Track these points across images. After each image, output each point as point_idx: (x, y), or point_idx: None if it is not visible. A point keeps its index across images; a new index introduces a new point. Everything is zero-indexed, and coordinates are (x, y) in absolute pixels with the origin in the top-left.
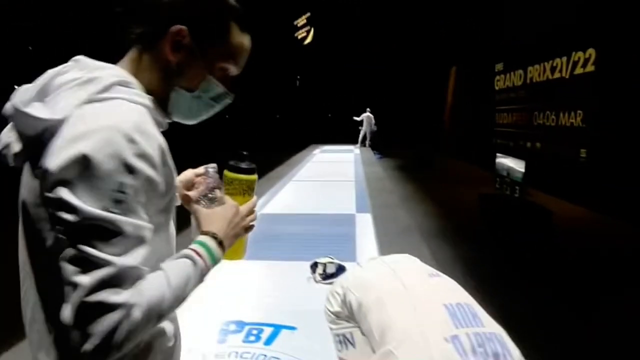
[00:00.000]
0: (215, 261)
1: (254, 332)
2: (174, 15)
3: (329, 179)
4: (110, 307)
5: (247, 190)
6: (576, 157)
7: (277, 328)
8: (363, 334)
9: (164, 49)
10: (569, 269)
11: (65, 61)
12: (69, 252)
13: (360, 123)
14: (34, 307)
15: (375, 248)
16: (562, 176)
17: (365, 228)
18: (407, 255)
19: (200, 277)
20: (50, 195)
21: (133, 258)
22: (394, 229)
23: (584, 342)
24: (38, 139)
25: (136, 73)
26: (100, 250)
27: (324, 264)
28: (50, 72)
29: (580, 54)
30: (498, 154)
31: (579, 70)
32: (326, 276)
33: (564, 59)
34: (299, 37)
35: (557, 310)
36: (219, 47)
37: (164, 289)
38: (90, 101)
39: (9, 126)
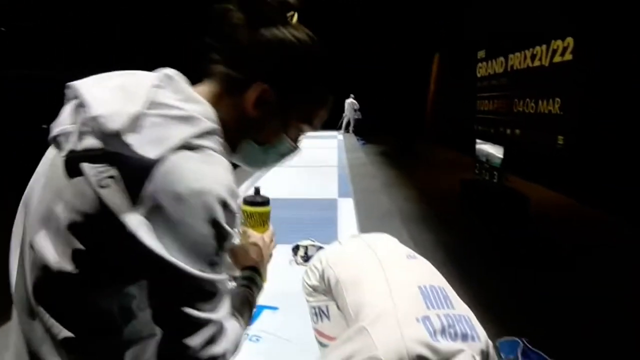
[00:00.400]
0: (260, 291)
1: None
2: (269, 72)
3: (312, 164)
4: (216, 359)
5: (266, 221)
6: (553, 144)
7: (259, 308)
8: (338, 308)
9: (247, 100)
10: (543, 252)
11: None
12: (171, 311)
13: (343, 109)
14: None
15: (356, 232)
16: (540, 163)
17: (347, 212)
18: (387, 235)
19: (252, 310)
20: (148, 249)
21: (223, 311)
22: (375, 213)
23: (557, 319)
24: (114, 156)
25: (216, 110)
26: (201, 311)
27: (306, 247)
28: (140, 81)
29: (559, 42)
30: (478, 140)
31: (557, 59)
32: (307, 258)
33: (544, 47)
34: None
35: (531, 290)
36: (301, 110)
37: (240, 331)
38: (185, 147)
39: (71, 109)
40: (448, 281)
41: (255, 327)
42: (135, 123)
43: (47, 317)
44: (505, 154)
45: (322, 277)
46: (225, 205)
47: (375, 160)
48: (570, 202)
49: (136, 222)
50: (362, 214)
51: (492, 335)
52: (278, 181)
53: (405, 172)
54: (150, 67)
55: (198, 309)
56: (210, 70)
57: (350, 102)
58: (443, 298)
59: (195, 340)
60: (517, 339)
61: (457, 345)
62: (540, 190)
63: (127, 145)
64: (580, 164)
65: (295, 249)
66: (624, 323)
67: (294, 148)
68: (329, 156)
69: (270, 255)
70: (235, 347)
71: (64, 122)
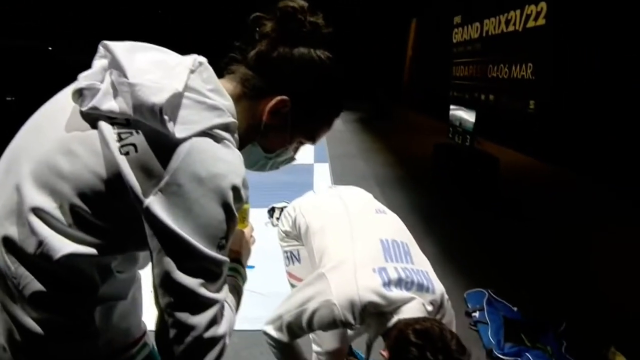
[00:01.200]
0: (244, 283)
1: None
2: (292, 87)
3: None
4: (217, 340)
5: (245, 217)
6: (525, 108)
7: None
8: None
9: (263, 106)
10: (509, 209)
11: None
12: (179, 289)
13: None
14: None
15: None
16: (512, 127)
17: (322, 176)
18: (361, 190)
19: (240, 298)
20: (162, 222)
21: (225, 292)
22: (350, 177)
23: (521, 270)
24: (139, 126)
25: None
26: (209, 291)
27: (281, 209)
28: (179, 61)
29: (532, 7)
30: (452, 106)
31: (531, 23)
32: None
33: (518, 12)
34: None
35: (498, 244)
36: (307, 126)
37: (233, 317)
38: (208, 134)
39: (102, 67)
40: (420, 239)
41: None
42: (173, 101)
43: (17, 265)
44: (477, 118)
45: (294, 223)
46: (237, 192)
47: (351, 127)
48: (537, 163)
49: (152, 195)
50: (338, 177)
51: (460, 287)
52: None
53: (381, 137)
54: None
55: (205, 288)
56: (231, 69)
57: None
58: (404, 253)
59: (200, 320)
60: (483, 290)
61: (410, 294)
62: (511, 153)
63: (161, 120)
64: (549, 127)
65: (271, 211)
66: (581, 270)
67: (292, 158)
68: None
69: (249, 251)
70: (231, 331)
71: (94, 77)
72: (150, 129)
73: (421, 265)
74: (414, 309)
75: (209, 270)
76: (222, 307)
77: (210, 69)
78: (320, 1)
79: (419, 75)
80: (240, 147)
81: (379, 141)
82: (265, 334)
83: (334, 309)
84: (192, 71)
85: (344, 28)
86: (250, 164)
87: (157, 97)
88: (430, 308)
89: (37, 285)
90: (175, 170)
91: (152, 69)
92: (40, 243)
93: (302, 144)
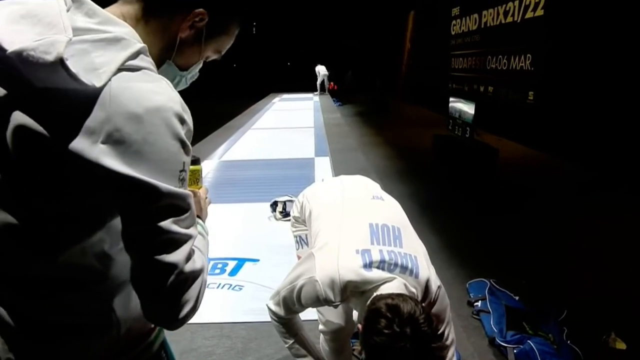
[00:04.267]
0: (207, 235)
1: (219, 265)
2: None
3: (289, 126)
4: (197, 274)
5: (199, 179)
6: (524, 99)
7: (241, 261)
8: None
9: (178, 23)
10: (509, 199)
11: None
12: (152, 231)
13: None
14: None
15: None
16: (512, 118)
17: (323, 170)
18: (365, 178)
19: (207, 248)
20: (118, 173)
21: (195, 229)
22: (351, 170)
23: (522, 260)
24: (47, 93)
25: (136, 30)
26: (181, 227)
27: (284, 202)
28: (46, 5)
29: None
30: (451, 98)
31: (529, 14)
32: (286, 214)
33: (516, 2)
34: None
35: (498, 234)
36: (218, 38)
37: (205, 256)
38: (123, 69)
39: None
40: (420, 230)
41: (237, 278)
42: (70, 51)
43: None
44: (476, 109)
45: (302, 209)
46: (182, 120)
47: (351, 121)
48: (537, 154)
49: (97, 151)
50: (339, 171)
51: (462, 277)
52: (256, 143)
53: (380, 130)
54: None
55: (180, 226)
56: None
57: (322, 67)
58: (393, 237)
59: (178, 257)
60: (484, 280)
61: (391, 275)
62: (510, 144)
63: (70, 75)
64: (549, 118)
65: (274, 205)
66: (580, 259)
67: (197, 74)
68: (305, 118)
69: (207, 212)
70: (207, 269)
71: None
72: (61, 90)
73: (411, 250)
74: (393, 287)
75: (176, 206)
76: (194, 242)
77: (88, 1)
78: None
79: (418, 67)
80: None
81: (379, 134)
82: (268, 308)
83: (317, 286)
84: (70, 11)
85: (343, 21)
86: None
87: (51, 55)
88: (413, 290)
89: (45, 292)
90: (107, 119)
91: (25, 28)
92: None
93: (208, 59)
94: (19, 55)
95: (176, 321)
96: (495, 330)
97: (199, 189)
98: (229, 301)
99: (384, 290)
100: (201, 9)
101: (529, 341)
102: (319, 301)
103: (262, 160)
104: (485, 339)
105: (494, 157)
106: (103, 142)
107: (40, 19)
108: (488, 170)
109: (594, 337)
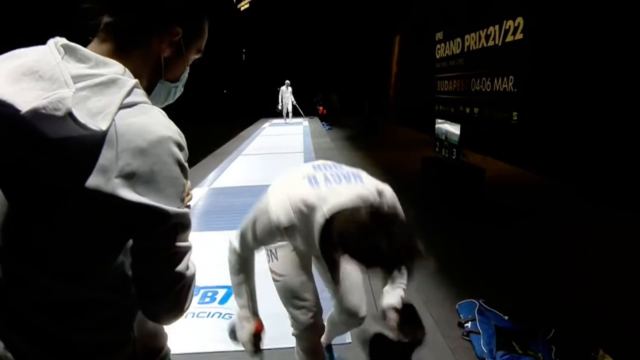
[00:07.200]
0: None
1: (209, 294)
2: (174, 15)
3: (279, 151)
4: (193, 278)
5: None
6: (509, 119)
7: (230, 289)
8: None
9: (156, 46)
10: (497, 217)
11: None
12: (161, 247)
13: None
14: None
15: None
16: (497, 138)
17: None
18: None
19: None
20: (132, 202)
21: (190, 238)
22: None
23: (511, 279)
24: (60, 142)
25: (124, 64)
26: (183, 241)
27: None
28: (42, 59)
29: (510, 22)
30: (438, 120)
31: (509, 38)
32: None
33: (497, 27)
34: (242, 8)
35: (486, 253)
36: (196, 41)
37: None
38: (122, 107)
39: None
40: None
41: (227, 306)
42: (74, 101)
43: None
44: (462, 131)
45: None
46: (180, 146)
47: (340, 145)
48: (523, 172)
49: (112, 185)
50: None
51: (452, 298)
52: (245, 169)
53: (369, 153)
54: None
55: (182, 240)
56: (98, 29)
57: (284, 88)
58: (337, 167)
59: (182, 266)
60: (474, 300)
61: (339, 186)
62: (496, 163)
63: (79, 125)
64: (533, 137)
65: None
66: (567, 276)
67: (186, 76)
68: (295, 142)
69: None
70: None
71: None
72: (70, 138)
73: (354, 170)
74: (342, 195)
75: (181, 224)
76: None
77: (75, 45)
78: (308, 21)
79: (404, 90)
80: (150, 92)
81: (368, 157)
82: (229, 244)
83: (270, 213)
84: (65, 59)
85: (333, 46)
86: (162, 100)
87: (61, 110)
88: (364, 193)
89: (71, 314)
90: (118, 155)
91: (30, 86)
92: None
93: (193, 59)
94: (33, 114)
95: (176, 318)
96: (485, 350)
97: None
98: (220, 330)
99: (332, 198)
100: (173, 27)
101: None
102: (271, 230)
103: (253, 187)
104: (476, 359)
105: (481, 177)
106: (116, 177)
107: (41, 75)
108: (475, 190)
109: (583, 355)
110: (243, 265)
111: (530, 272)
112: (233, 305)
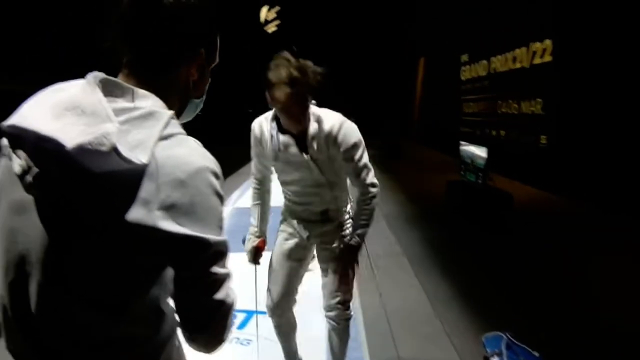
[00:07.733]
0: None
1: None
2: (201, 41)
3: None
4: (233, 305)
5: None
6: (537, 143)
7: (250, 313)
8: None
9: (186, 71)
10: (526, 246)
11: None
12: (202, 276)
13: None
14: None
15: None
16: (524, 162)
17: None
18: None
19: None
20: (174, 233)
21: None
22: None
23: (540, 312)
24: (103, 176)
25: (156, 94)
26: (223, 268)
27: None
28: (86, 95)
29: (538, 44)
30: (462, 142)
31: (537, 60)
32: None
33: (524, 49)
34: (269, 30)
35: (513, 283)
36: (214, 55)
37: None
38: (160, 139)
39: (27, 155)
40: (434, 279)
41: (246, 331)
42: (116, 136)
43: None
44: (488, 154)
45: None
46: (216, 175)
47: None
48: (552, 197)
49: (153, 218)
50: None
51: (477, 330)
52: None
53: (392, 175)
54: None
55: (222, 267)
56: (121, 61)
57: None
58: None
59: (222, 294)
60: (500, 333)
61: None
62: (524, 187)
63: (123, 159)
64: (561, 161)
65: None
66: (603, 308)
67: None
68: None
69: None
70: None
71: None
72: (113, 172)
73: None
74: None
75: (221, 252)
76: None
77: (114, 79)
78: (334, 43)
79: (428, 112)
80: (181, 114)
81: (391, 179)
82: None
83: (253, 124)
84: (105, 94)
85: (357, 68)
86: (191, 115)
87: (106, 145)
88: None
89: (110, 351)
90: (158, 187)
91: (74, 122)
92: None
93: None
94: (78, 149)
95: (219, 346)
96: None
97: None
98: (238, 355)
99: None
100: (201, 51)
101: None
102: (251, 138)
103: (276, 207)
104: None
105: (508, 203)
106: (158, 209)
107: (83, 110)
108: (503, 216)
109: None
110: (258, 190)
111: (562, 303)
112: (251, 331)
